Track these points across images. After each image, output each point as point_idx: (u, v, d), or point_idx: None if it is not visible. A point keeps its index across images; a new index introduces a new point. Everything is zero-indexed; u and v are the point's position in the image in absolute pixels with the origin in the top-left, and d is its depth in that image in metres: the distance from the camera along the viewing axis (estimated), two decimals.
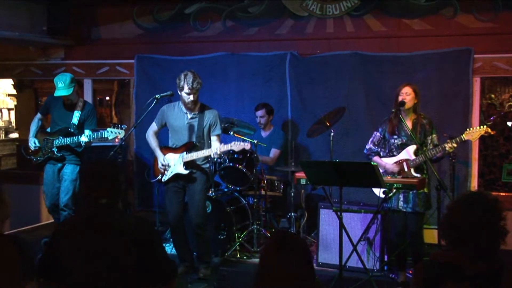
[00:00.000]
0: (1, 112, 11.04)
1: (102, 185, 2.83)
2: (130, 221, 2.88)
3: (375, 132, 5.19)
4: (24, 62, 8.24)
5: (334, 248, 5.47)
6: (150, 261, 2.80)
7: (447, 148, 4.75)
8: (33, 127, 6.06)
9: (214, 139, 5.27)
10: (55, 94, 5.78)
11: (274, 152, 6.54)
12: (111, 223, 2.72)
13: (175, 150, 5.27)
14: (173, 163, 5.24)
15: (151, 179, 5.55)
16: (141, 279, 2.71)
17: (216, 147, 5.13)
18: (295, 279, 2.17)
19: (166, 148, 5.35)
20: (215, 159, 5.94)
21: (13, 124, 10.75)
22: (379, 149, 5.15)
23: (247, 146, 5.13)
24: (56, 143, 5.80)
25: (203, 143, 5.21)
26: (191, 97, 5.10)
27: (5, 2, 6.92)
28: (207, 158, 5.34)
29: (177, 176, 5.25)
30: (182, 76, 5.10)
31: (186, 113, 5.25)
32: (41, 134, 6.00)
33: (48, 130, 6.03)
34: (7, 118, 11.07)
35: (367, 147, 5.22)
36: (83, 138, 5.63)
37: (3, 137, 10.53)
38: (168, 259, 2.97)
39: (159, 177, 5.33)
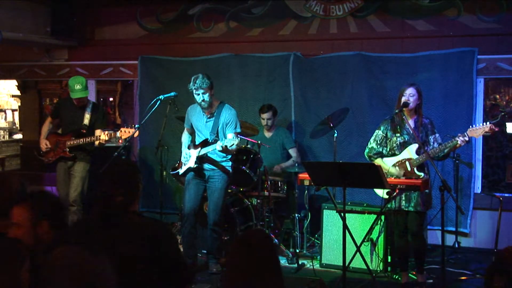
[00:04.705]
0: (5, 113, 11.06)
1: (118, 183, 2.81)
2: (147, 221, 2.85)
3: (377, 131, 5.17)
4: (28, 63, 8.27)
5: (338, 249, 5.47)
6: (167, 263, 2.75)
7: (459, 142, 4.71)
8: (45, 129, 6.29)
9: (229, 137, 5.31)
10: (73, 96, 6.00)
11: (294, 151, 6.56)
12: (127, 223, 2.74)
13: (195, 147, 5.46)
14: (191, 159, 5.43)
15: (170, 172, 6.07)
16: (157, 281, 2.69)
17: (219, 143, 5.15)
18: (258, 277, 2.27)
19: (193, 145, 5.54)
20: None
21: (17, 125, 10.75)
22: (381, 149, 5.13)
23: (235, 141, 5.12)
24: (69, 144, 5.99)
25: (219, 141, 5.28)
26: (200, 97, 5.22)
27: (9, 3, 6.94)
28: (228, 156, 5.45)
29: (194, 172, 5.40)
30: (192, 79, 5.27)
31: (204, 114, 5.38)
32: (52, 136, 6.23)
33: (60, 131, 6.24)
34: (11, 119, 11.07)
35: (369, 146, 5.18)
36: (103, 137, 5.79)
37: (7, 138, 10.53)
38: (185, 263, 2.95)
39: (178, 171, 5.60)
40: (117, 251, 2.65)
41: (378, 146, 5.13)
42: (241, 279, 2.29)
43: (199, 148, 5.36)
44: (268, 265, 2.33)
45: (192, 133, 5.65)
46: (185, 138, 5.67)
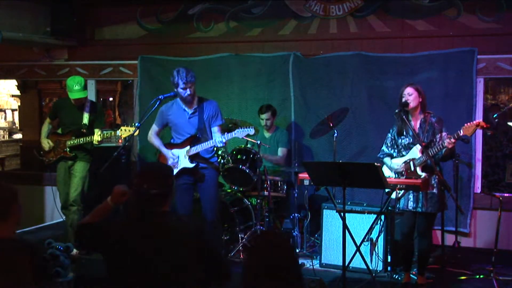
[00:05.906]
0: (5, 113, 11.07)
1: (153, 176, 2.89)
2: (189, 219, 3.00)
3: (388, 134, 5.16)
4: (28, 63, 8.27)
5: (338, 248, 5.47)
6: (210, 259, 2.85)
7: (445, 144, 4.67)
8: (45, 129, 6.28)
9: (215, 130, 5.27)
10: (71, 97, 5.95)
11: (282, 151, 6.52)
12: (169, 224, 2.83)
13: (179, 145, 5.31)
14: (179, 158, 5.29)
15: None
16: (200, 277, 2.79)
17: (219, 136, 5.12)
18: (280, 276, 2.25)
19: (169, 145, 5.39)
20: (221, 154, 5.99)
21: (17, 125, 10.77)
22: (391, 150, 5.11)
23: (251, 131, 5.11)
24: (69, 143, 5.98)
25: (206, 136, 5.24)
26: (187, 91, 5.12)
27: (9, 3, 6.94)
28: (214, 151, 5.38)
29: (186, 173, 5.27)
30: (175, 73, 5.12)
31: (186, 109, 5.26)
32: (52, 136, 6.23)
33: (59, 131, 6.21)
34: (11, 119, 11.09)
35: (381, 149, 5.19)
36: (96, 137, 5.83)
37: (7, 138, 10.55)
38: (225, 259, 3.02)
39: None
40: (160, 247, 2.74)
41: (389, 149, 5.10)
42: (263, 282, 2.25)
43: (188, 146, 5.22)
44: (289, 266, 2.29)
45: (159, 133, 5.49)
46: (157, 140, 5.44)
